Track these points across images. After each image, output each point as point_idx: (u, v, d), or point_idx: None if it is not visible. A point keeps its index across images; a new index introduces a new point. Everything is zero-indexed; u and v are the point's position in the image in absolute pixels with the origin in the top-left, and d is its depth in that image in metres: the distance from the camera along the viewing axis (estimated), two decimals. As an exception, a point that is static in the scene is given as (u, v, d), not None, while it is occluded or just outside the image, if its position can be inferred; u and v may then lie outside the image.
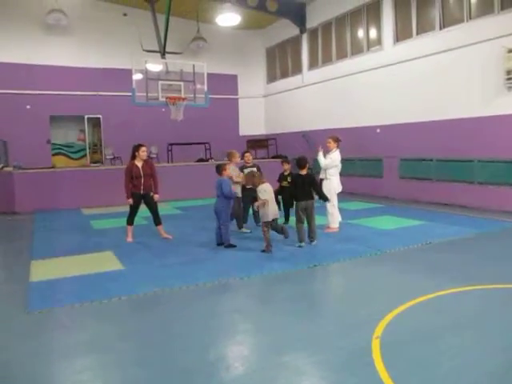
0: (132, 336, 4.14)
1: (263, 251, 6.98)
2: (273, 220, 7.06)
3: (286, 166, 9.17)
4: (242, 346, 3.96)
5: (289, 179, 8.84)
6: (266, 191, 6.96)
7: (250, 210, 8.93)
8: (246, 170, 8.57)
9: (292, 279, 5.84)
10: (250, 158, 9.12)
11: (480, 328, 4.11)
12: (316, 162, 8.60)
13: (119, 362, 3.67)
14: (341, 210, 8.78)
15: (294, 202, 7.57)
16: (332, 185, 8.35)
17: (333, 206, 8.43)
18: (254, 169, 8.88)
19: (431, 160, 11.94)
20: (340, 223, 8.61)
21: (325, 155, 8.48)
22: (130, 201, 7.92)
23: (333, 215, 8.49)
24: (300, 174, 7.54)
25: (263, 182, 7.07)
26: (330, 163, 8.35)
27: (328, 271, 6.27)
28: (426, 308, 4.61)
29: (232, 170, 8.21)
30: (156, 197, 8.10)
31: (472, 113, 10.78)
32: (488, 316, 4.38)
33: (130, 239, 8.11)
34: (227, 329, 4.27)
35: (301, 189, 7.38)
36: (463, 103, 11.00)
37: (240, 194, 8.39)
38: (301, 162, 7.55)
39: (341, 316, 4.51)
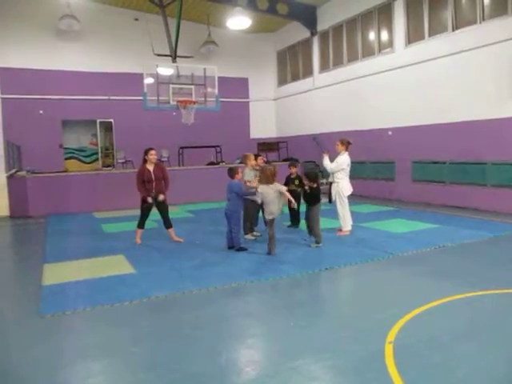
0: (143, 340, 4.14)
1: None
2: (270, 220, 7.05)
3: (294, 170, 9.15)
4: (253, 350, 3.94)
5: (296, 182, 8.87)
6: (268, 192, 6.94)
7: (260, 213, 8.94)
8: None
9: (303, 283, 5.82)
10: (260, 162, 9.08)
11: (495, 333, 4.04)
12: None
13: (131, 365, 3.66)
14: (353, 213, 8.74)
15: (308, 206, 7.75)
16: (340, 188, 8.32)
17: (344, 209, 8.40)
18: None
19: (444, 163, 11.83)
20: (352, 226, 8.56)
21: (332, 159, 8.45)
22: (150, 199, 7.93)
23: (344, 218, 8.44)
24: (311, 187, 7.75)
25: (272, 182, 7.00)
26: (336, 167, 8.32)
27: (340, 275, 6.22)
28: (439, 313, 4.55)
29: (247, 174, 8.20)
30: (162, 196, 8.02)
31: (485, 115, 10.66)
32: (503, 321, 4.31)
33: (138, 240, 8.15)
34: (238, 333, 4.25)
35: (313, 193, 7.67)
36: (476, 105, 10.89)
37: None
38: (311, 176, 7.77)
39: (353, 320, 4.46)
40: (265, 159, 9.47)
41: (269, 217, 7.03)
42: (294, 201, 7.21)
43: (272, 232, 7.03)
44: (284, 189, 7.04)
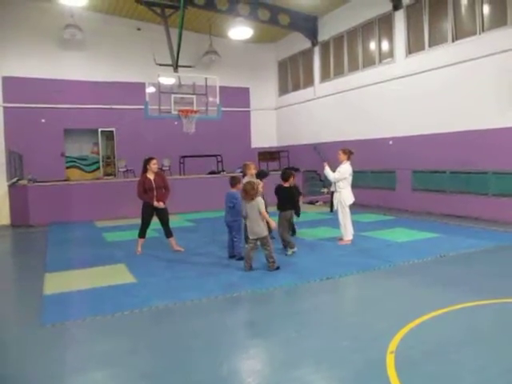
0: (144, 350, 4.13)
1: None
2: (256, 239, 6.65)
3: (290, 180, 9.16)
4: (254, 360, 3.92)
5: None
6: (252, 207, 6.63)
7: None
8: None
9: (305, 292, 5.80)
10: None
11: (496, 343, 4.02)
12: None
13: (132, 376, 3.65)
14: (354, 222, 8.72)
15: (279, 212, 7.84)
16: (342, 197, 8.33)
17: (346, 218, 8.40)
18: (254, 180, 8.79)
19: (444, 172, 11.84)
20: (353, 235, 8.56)
21: (334, 168, 8.46)
22: (156, 203, 7.92)
23: (346, 227, 8.44)
24: (283, 186, 7.88)
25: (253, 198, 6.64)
26: (339, 176, 8.33)
27: (341, 284, 6.21)
28: (440, 322, 4.54)
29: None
30: (160, 203, 8.00)
31: (486, 124, 10.69)
32: (504, 331, 4.29)
33: (139, 250, 8.16)
34: (240, 343, 4.24)
35: (284, 200, 7.79)
36: (477, 115, 10.92)
37: None
38: (285, 175, 7.97)
39: (354, 330, 4.45)
40: (256, 167, 9.33)
41: (252, 236, 6.65)
42: (273, 224, 6.80)
43: (268, 251, 6.61)
44: (262, 208, 6.60)
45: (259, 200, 6.66)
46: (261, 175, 8.49)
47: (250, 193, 6.58)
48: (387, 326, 4.39)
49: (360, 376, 3.48)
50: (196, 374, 3.60)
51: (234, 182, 7.54)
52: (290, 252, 7.62)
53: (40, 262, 7.73)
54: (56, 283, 6.35)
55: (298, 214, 8.26)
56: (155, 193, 7.95)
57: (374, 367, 3.57)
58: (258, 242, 6.68)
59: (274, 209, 8.09)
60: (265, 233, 6.63)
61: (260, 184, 7.18)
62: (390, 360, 3.65)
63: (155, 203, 7.91)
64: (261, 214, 6.59)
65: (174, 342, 4.27)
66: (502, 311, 4.84)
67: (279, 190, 7.90)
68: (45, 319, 4.88)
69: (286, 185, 7.94)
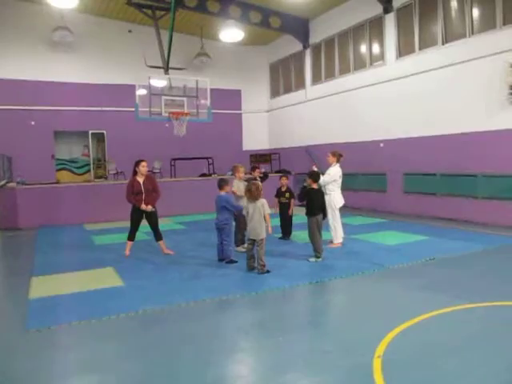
0: (132, 355, 4.08)
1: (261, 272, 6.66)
2: (254, 240, 6.67)
3: (284, 182, 9.20)
4: (241, 365, 3.89)
5: (287, 195, 9.02)
6: (256, 207, 6.66)
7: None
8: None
9: (293, 296, 5.78)
10: (257, 174, 9.04)
11: (484, 347, 4.01)
12: None
13: (119, 382, 3.60)
14: (344, 225, 8.72)
15: (307, 217, 7.46)
16: (332, 200, 8.32)
17: (335, 221, 8.39)
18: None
19: (435, 175, 11.88)
20: (343, 238, 8.55)
21: (324, 170, 8.46)
22: (144, 206, 7.85)
23: (336, 230, 8.43)
24: (313, 189, 7.53)
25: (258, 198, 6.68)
26: (329, 179, 8.32)
27: (330, 288, 6.19)
28: (429, 326, 4.52)
29: (236, 185, 8.16)
30: (148, 207, 7.91)
31: (475, 127, 10.74)
32: (492, 334, 4.29)
33: (127, 252, 8.11)
34: (227, 347, 4.19)
35: (316, 203, 7.42)
36: (467, 118, 10.97)
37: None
38: (315, 176, 7.59)
39: (342, 334, 4.43)
40: (261, 171, 9.37)
41: (252, 237, 6.67)
42: (270, 230, 6.81)
43: (261, 254, 6.60)
44: (267, 212, 6.66)
45: (263, 201, 6.68)
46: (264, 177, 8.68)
47: (254, 193, 6.63)
48: (375, 330, 4.37)
49: (347, 380, 3.46)
50: (184, 379, 3.56)
51: (221, 184, 7.49)
52: (313, 259, 7.31)
53: (27, 266, 7.62)
54: (42, 287, 6.27)
55: (325, 216, 7.74)
56: (143, 196, 7.89)
57: (361, 371, 3.55)
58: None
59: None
60: (264, 235, 6.65)
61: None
62: (377, 364, 3.63)
63: (143, 206, 7.86)
64: (264, 216, 6.62)
65: (161, 347, 4.21)
66: (490, 315, 4.84)
67: (310, 194, 7.44)
68: (30, 324, 4.80)
69: (315, 186, 7.55)
